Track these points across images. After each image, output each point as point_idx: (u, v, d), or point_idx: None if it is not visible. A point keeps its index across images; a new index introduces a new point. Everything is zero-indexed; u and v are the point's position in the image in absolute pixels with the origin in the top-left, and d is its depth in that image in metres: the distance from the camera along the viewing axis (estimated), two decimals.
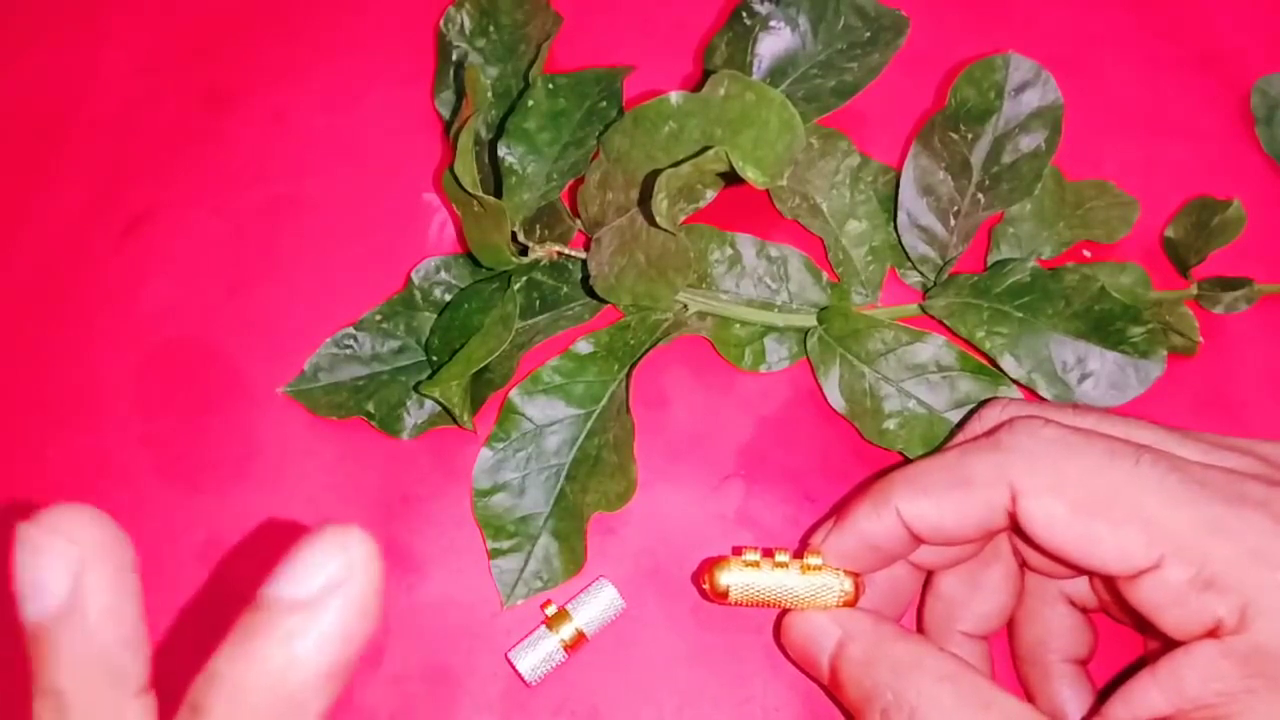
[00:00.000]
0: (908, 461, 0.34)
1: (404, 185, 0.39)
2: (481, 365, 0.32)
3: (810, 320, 0.35)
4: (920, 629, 0.32)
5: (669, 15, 0.41)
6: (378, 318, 0.36)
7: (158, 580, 0.34)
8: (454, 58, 0.38)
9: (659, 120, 0.32)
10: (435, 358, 0.35)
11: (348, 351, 0.36)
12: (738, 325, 0.36)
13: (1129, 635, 0.32)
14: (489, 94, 0.37)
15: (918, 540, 0.29)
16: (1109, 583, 0.28)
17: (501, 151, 0.36)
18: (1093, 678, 0.31)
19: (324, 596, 0.16)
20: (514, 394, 0.35)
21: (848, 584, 0.29)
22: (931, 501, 0.28)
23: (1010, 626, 0.32)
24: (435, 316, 0.36)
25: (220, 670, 0.16)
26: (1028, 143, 0.35)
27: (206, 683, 0.16)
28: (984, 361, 0.34)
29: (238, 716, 0.16)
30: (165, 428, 0.36)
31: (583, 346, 0.35)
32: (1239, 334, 0.36)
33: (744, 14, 0.36)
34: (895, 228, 0.36)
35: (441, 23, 0.38)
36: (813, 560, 0.30)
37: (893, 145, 0.38)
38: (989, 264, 0.37)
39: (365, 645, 0.17)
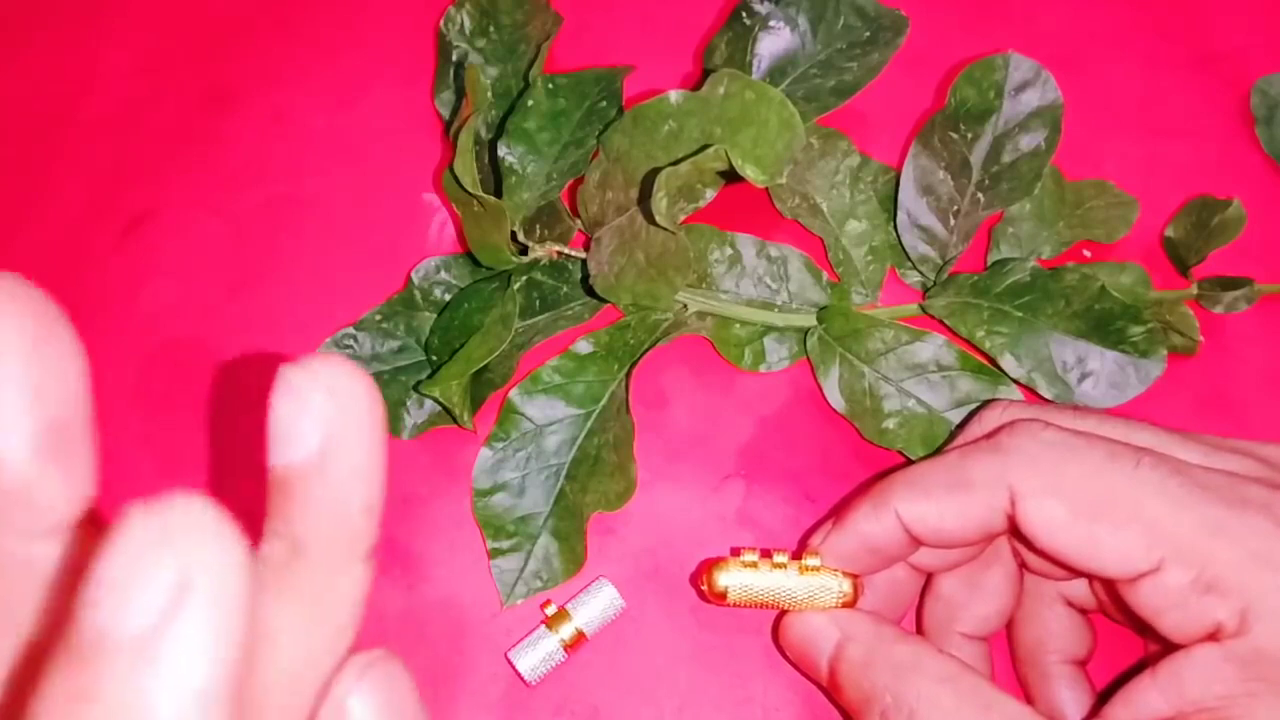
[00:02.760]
0: (908, 462, 0.34)
1: (404, 185, 0.39)
2: (481, 365, 0.32)
3: (810, 320, 0.35)
4: (920, 630, 0.32)
5: (669, 15, 0.41)
6: (378, 318, 0.36)
7: None
8: (454, 58, 0.38)
9: (659, 119, 0.32)
10: (435, 358, 0.35)
11: (348, 351, 0.36)
12: (738, 325, 0.36)
13: (1129, 636, 0.32)
14: (489, 94, 0.37)
15: (917, 542, 0.29)
16: (1108, 585, 0.28)
17: (501, 151, 0.36)
18: (1092, 679, 0.31)
19: (168, 615, 0.12)
20: (514, 394, 0.35)
21: (846, 585, 0.29)
22: (931, 503, 0.28)
23: (1010, 627, 0.32)
24: (435, 316, 0.36)
25: None
26: (1027, 142, 0.35)
27: None
28: (984, 361, 0.34)
29: None
30: (165, 428, 0.36)
31: (583, 346, 0.35)
32: (1239, 334, 0.36)
33: (744, 14, 0.36)
34: (895, 227, 0.36)
35: (441, 23, 0.38)
36: (811, 561, 0.30)
37: (893, 145, 0.38)
38: (989, 264, 0.37)
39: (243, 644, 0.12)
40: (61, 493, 0.14)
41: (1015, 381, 0.34)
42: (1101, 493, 0.26)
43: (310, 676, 0.16)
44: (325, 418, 0.15)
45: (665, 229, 0.31)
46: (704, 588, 0.30)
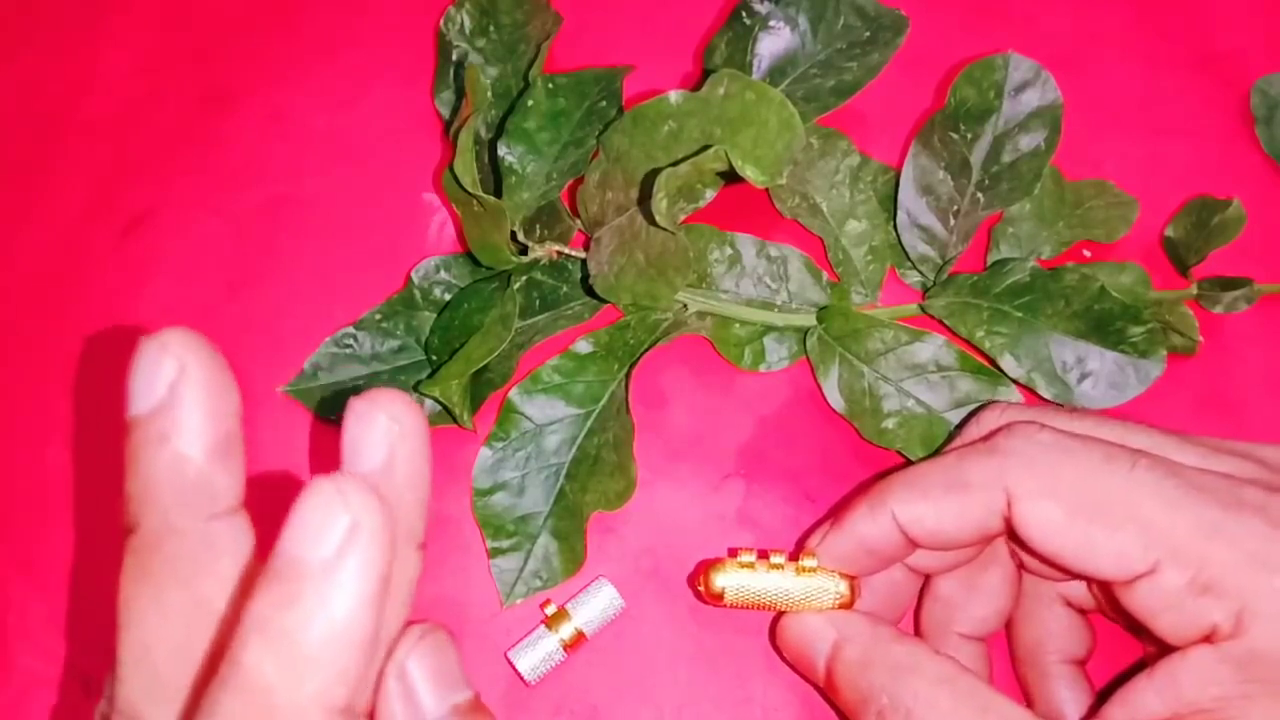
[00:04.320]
0: (907, 462, 0.34)
1: (404, 185, 0.39)
2: (481, 365, 0.32)
3: (810, 320, 0.35)
4: (918, 632, 0.32)
5: (669, 15, 0.41)
6: (378, 317, 0.36)
7: None
8: (454, 57, 0.38)
9: (659, 120, 0.32)
10: (435, 357, 0.35)
11: (348, 351, 0.36)
12: (738, 325, 0.36)
13: (1128, 636, 0.32)
14: (489, 94, 0.37)
15: (914, 544, 0.29)
16: (1105, 587, 0.28)
17: (501, 151, 0.36)
18: (1091, 678, 0.31)
19: (344, 553, 0.16)
20: (514, 393, 0.35)
21: (843, 586, 0.29)
22: (928, 505, 0.28)
23: (1008, 628, 0.32)
24: (435, 316, 0.36)
25: (263, 620, 0.17)
26: (1027, 142, 0.35)
27: (246, 641, 0.17)
28: (984, 361, 0.34)
29: (285, 674, 0.16)
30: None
31: (582, 346, 0.35)
32: (1239, 334, 0.36)
33: (744, 14, 0.36)
34: (895, 227, 0.36)
35: (441, 23, 0.38)
36: (808, 563, 0.30)
37: (893, 145, 0.38)
38: (989, 264, 0.37)
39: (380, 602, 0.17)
40: (227, 485, 0.19)
41: (1015, 382, 0.34)
42: (1097, 494, 0.26)
43: (382, 638, 0.20)
44: (388, 437, 0.19)
45: (665, 229, 0.31)
46: (701, 589, 0.30)
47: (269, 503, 0.36)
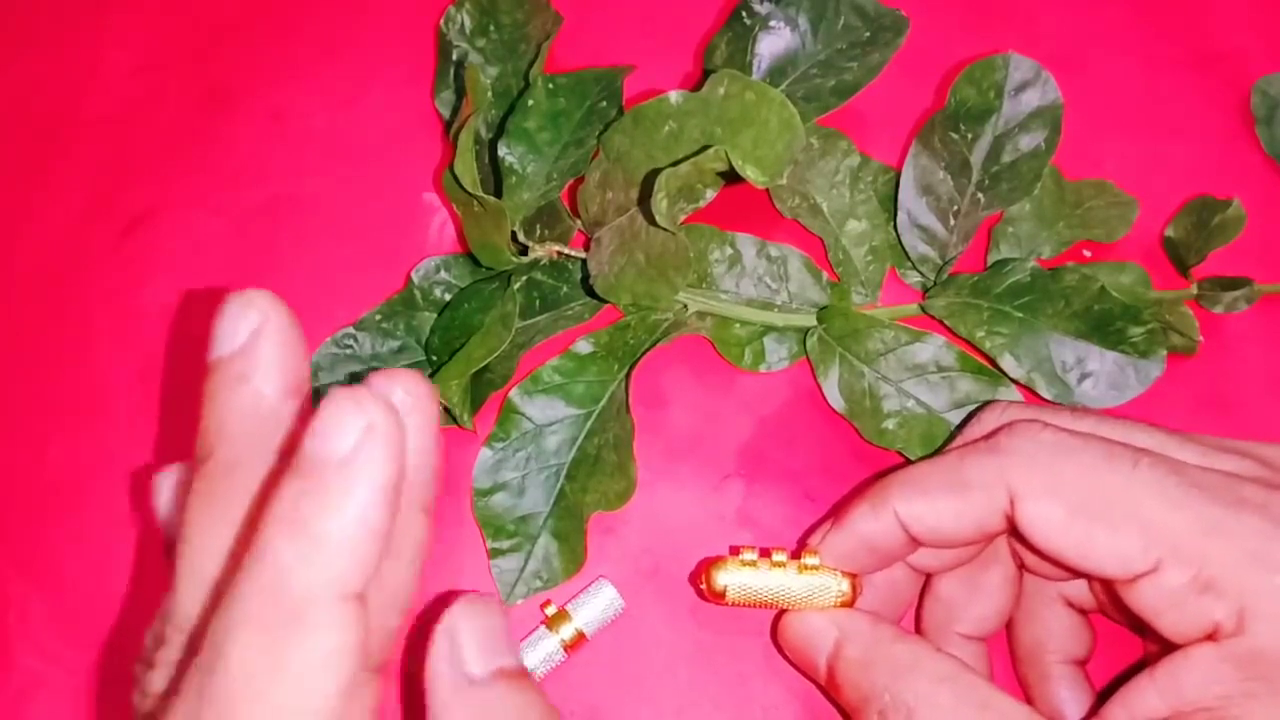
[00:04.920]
0: (907, 462, 0.34)
1: (404, 185, 0.39)
2: (481, 365, 0.32)
3: (810, 320, 0.35)
4: (919, 631, 0.32)
5: (669, 15, 0.41)
6: (378, 318, 0.36)
7: (158, 580, 0.34)
8: (454, 57, 0.38)
9: (659, 120, 0.32)
10: (435, 358, 0.35)
11: (348, 351, 0.36)
12: (738, 325, 0.36)
13: (1128, 636, 0.32)
14: (489, 94, 0.37)
15: (915, 542, 0.29)
16: (1107, 586, 0.28)
17: (501, 151, 0.36)
18: (1092, 678, 0.31)
19: (359, 450, 0.18)
20: (514, 394, 0.35)
21: (845, 585, 0.29)
22: (929, 503, 0.28)
23: (1009, 627, 0.32)
24: (435, 316, 0.36)
25: (284, 512, 0.18)
26: (1027, 142, 0.35)
27: (268, 531, 0.18)
28: (984, 361, 0.34)
29: (310, 562, 0.18)
30: (165, 428, 0.36)
31: (583, 346, 0.35)
32: (1239, 334, 0.36)
33: (744, 14, 0.36)
34: (895, 227, 0.36)
35: (441, 22, 0.38)
36: (810, 560, 0.30)
37: (893, 145, 0.38)
38: (989, 264, 0.37)
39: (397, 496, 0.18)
40: (293, 418, 0.21)
41: (1015, 382, 0.34)
42: (1099, 493, 0.26)
43: (401, 591, 0.22)
44: (402, 407, 0.20)
45: (665, 229, 0.31)
46: (703, 587, 0.30)
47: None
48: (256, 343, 0.20)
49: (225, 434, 0.20)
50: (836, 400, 0.34)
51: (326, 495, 0.18)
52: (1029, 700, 0.32)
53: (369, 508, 0.18)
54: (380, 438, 0.18)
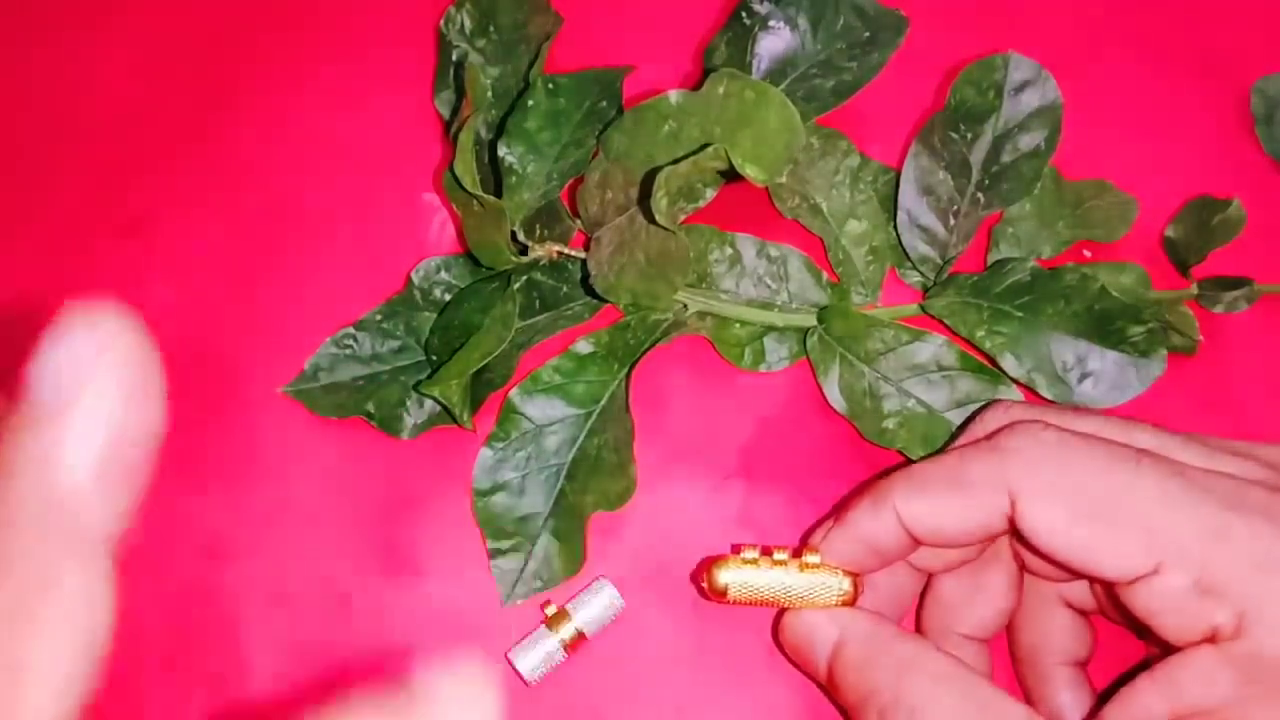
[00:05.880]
0: (908, 462, 0.34)
1: (404, 185, 0.39)
2: (481, 365, 0.32)
3: (810, 320, 0.35)
4: (919, 632, 0.32)
5: (669, 15, 0.41)
6: (378, 318, 0.36)
7: (158, 580, 0.34)
8: (454, 58, 0.38)
9: (658, 119, 0.32)
10: (435, 358, 0.35)
11: (348, 351, 0.36)
12: (738, 325, 0.36)
13: (1129, 638, 0.32)
14: (489, 94, 0.37)
15: (916, 542, 0.29)
16: (1108, 587, 0.28)
17: (501, 151, 0.36)
18: (1092, 679, 0.31)
19: (76, 389, 0.15)
20: (514, 394, 0.35)
21: (846, 584, 0.29)
22: (930, 503, 0.28)
23: (1009, 629, 0.32)
24: (435, 316, 0.36)
25: None
26: (1027, 142, 0.35)
27: None
28: (984, 361, 0.34)
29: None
30: (165, 428, 0.36)
31: (583, 346, 0.35)
32: (1239, 334, 0.36)
33: (744, 14, 0.36)
34: (895, 227, 0.36)
35: (441, 23, 0.38)
36: (811, 559, 0.30)
37: (893, 145, 0.38)
38: (989, 264, 0.37)
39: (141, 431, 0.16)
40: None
41: (1015, 382, 0.34)
42: (1101, 494, 0.26)
43: None
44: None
45: (665, 229, 0.31)
46: (704, 585, 0.30)
47: (271, 502, 0.36)
48: None
49: None
50: (837, 400, 0.34)
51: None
52: (1029, 701, 0.32)
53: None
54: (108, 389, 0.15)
